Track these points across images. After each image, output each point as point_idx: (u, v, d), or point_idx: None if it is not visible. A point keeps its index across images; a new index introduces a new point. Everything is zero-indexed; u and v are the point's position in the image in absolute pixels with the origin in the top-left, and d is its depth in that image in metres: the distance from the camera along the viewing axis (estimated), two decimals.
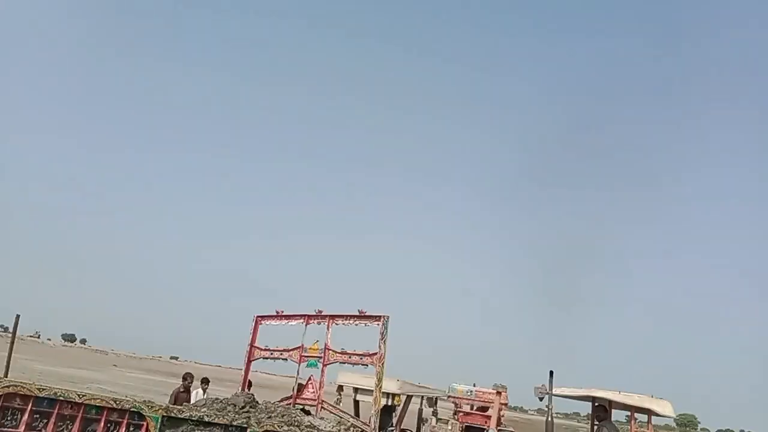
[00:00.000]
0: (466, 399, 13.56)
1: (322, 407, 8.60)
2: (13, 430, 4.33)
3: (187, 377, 10.98)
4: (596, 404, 9.32)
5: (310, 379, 8.88)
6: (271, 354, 9.46)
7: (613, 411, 9.29)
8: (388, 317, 8.38)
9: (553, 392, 8.27)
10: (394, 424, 10.08)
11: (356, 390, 10.26)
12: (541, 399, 8.27)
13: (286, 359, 9.25)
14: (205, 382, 11.84)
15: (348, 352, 8.68)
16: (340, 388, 10.31)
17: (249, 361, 9.60)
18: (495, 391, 8.38)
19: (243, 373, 9.58)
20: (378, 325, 8.40)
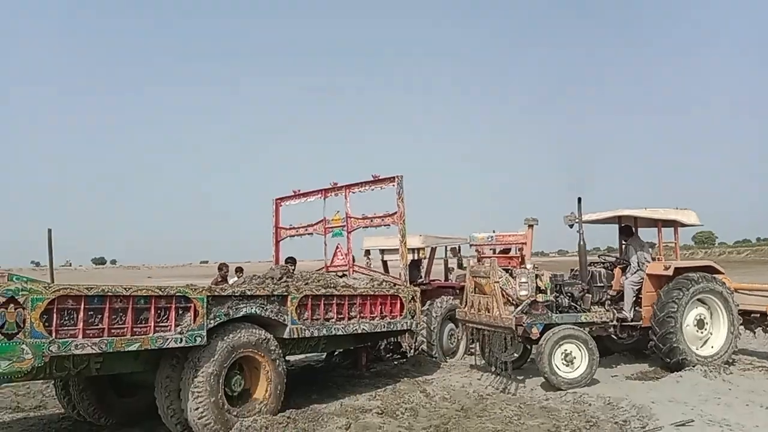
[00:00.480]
0: (488, 244, 14.04)
1: (354, 270, 9.01)
2: (74, 328, 4.63)
3: (223, 267, 11.44)
4: (622, 225, 9.54)
5: (337, 247, 9.23)
6: (297, 231, 9.78)
7: (640, 231, 9.54)
8: (401, 176, 8.53)
9: (582, 219, 8.54)
10: (422, 276, 10.55)
11: (382, 251, 10.67)
12: (571, 226, 8.55)
13: (311, 234, 9.57)
14: (239, 270, 12.31)
15: (369, 216, 8.93)
16: (367, 252, 10.72)
17: (277, 242, 9.95)
18: (527, 225, 8.66)
19: (274, 255, 9.95)
20: (393, 186, 8.57)
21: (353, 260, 9.19)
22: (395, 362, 9.57)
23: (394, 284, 8.27)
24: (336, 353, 9.61)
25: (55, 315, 4.51)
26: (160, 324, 5.21)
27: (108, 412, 6.36)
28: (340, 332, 7.03)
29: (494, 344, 8.19)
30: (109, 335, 4.81)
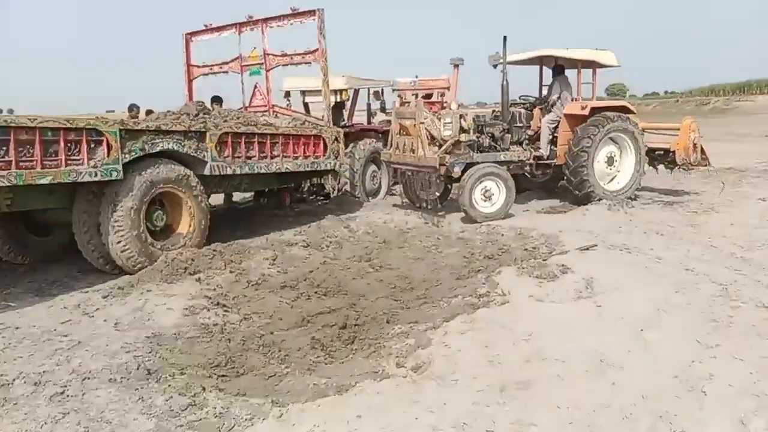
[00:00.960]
0: (410, 89, 13.96)
1: (273, 111, 8.77)
2: None
3: (133, 108, 10.77)
4: (554, 65, 9.53)
5: (256, 87, 8.88)
6: (211, 69, 9.27)
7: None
8: (322, 10, 8.09)
9: (507, 59, 8.51)
10: (345, 119, 10.44)
11: (303, 93, 10.37)
12: (495, 66, 8.52)
13: (227, 72, 9.11)
14: (149, 112, 11.65)
15: (289, 53, 8.54)
16: (287, 93, 10.37)
17: (190, 81, 9.43)
18: (453, 65, 8.53)
19: (186, 94, 9.45)
20: (314, 20, 8.13)
21: (272, 101, 8.92)
22: (319, 203, 9.73)
23: (317, 125, 8.15)
24: (264, 196, 9.60)
25: None
26: (72, 158, 4.95)
27: (24, 251, 6.20)
28: (262, 170, 6.97)
29: (417, 184, 8.42)
30: (18, 168, 4.53)
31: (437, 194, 8.51)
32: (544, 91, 9.91)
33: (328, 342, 4.30)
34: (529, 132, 9.30)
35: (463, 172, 8.05)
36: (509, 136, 8.93)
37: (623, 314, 4.37)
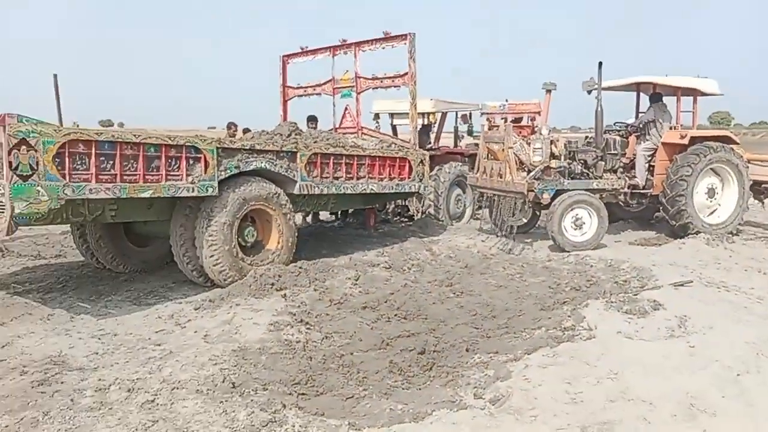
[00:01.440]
0: (499, 113, 13.83)
1: (362, 133, 8.94)
2: (86, 173, 4.67)
3: (231, 126, 11.33)
4: (653, 92, 9.21)
5: (346, 109, 9.09)
6: (305, 91, 9.58)
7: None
8: (414, 34, 8.19)
9: (602, 85, 8.30)
10: (432, 142, 10.48)
11: (392, 115, 10.51)
12: (589, 92, 8.32)
13: (320, 94, 9.38)
14: (247, 131, 12.20)
15: (379, 76, 8.70)
16: (377, 116, 10.57)
17: (285, 101, 9.78)
18: (546, 90, 8.43)
19: (281, 114, 9.80)
20: (405, 44, 8.24)
21: (361, 123, 9.10)
22: (402, 224, 9.78)
23: (403, 147, 8.23)
24: (348, 215, 9.78)
25: (67, 159, 4.53)
26: (172, 173, 5.25)
27: (125, 260, 6.61)
28: (348, 191, 7.10)
29: (504, 209, 8.30)
30: (122, 181, 4.86)
31: (524, 220, 8.30)
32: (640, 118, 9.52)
33: (406, 366, 4.29)
34: (624, 160, 8.96)
35: (553, 198, 7.87)
36: (602, 163, 8.64)
37: (718, 356, 4.09)
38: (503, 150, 7.99)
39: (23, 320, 5.02)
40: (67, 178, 4.52)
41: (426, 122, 10.30)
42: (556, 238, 7.73)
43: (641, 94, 9.66)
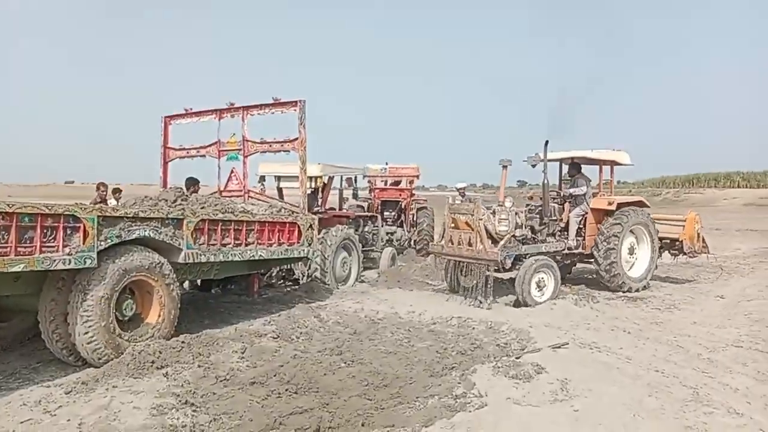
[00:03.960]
0: (381, 176, 14.30)
1: (249, 196, 8.80)
2: None
3: (101, 186, 10.65)
4: (571, 163, 10.35)
5: (232, 171, 8.94)
6: (188, 153, 9.32)
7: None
8: (304, 101, 8.32)
9: (542, 158, 9.25)
10: (320, 205, 10.54)
11: (278, 178, 10.47)
12: (533, 166, 9.33)
13: (204, 156, 9.17)
14: (117, 191, 11.54)
15: (268, 140, 8.69)
16: (262, 178, 10.47)
17: (165, 163, 9.44)
18: (502, 166, 9.24)
19: (161, 176, 9.43)
20: (295, 110, 8.34)
21: (248, 186, 8.97)
22: (288, 289, 9.63)
23: (293, 212, 8.20)
24: (231, 281, 9.46)
25: None
26: (47, 244, 4.83)
27: None
28: (237, 258, 6.92)
29: (467, 274, 8.84)
30: None
31: (487, 284, 8.72)
32: (564, 185, 10.83)
33: None
34: (561, 224, 9.94)
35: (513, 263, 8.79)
36: (545, 228, 9.54)
37: (601, 420, 4.38)
38: (473, 221, 8.59)
39: None
40: None
41: (314, 186, 10.37)
42: (525, 298, 8.48)
43: (564, 165, 10.85)
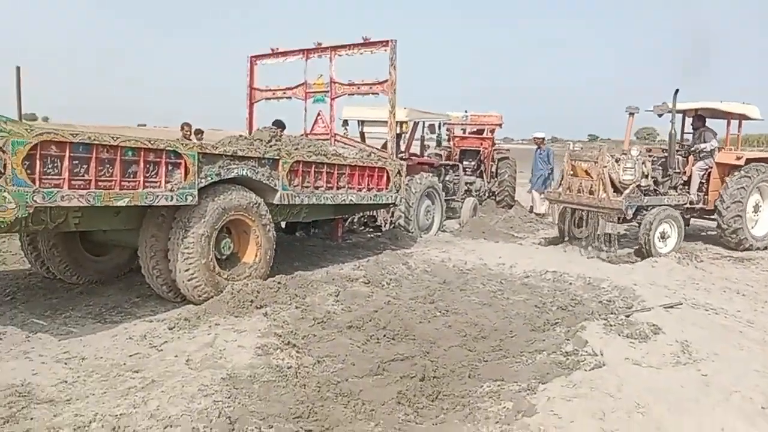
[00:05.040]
0: (461, 123, 13.79)
1: (335, 140, 8.59)
2: (58, 178, 4.13)
3: (185, 127, 10.69)
4: (698, 114, 9.88)
5: (319, 114, 8.72)
6: (274, 94, 9.14)
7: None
8: (395, 41, 7.92)
9: (670, 108, 8.83)
10: (403, 150, 10.24)
11: (362, 123, 10.21)
12: (660, 116, 8.97)
13: (290, 97, 8.97)
14: (199, 132, 11.59)
15: (356, 83, 8.38)
16: (346, 122, 10.22)
17: (251, 104, 9.30)
18: (628, 113, 9.07)
19: (247, 117, 9.32)
20: (386, 50, 7.97)
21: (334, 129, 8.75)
22: (370, 235, 9.47)
23: (382, 157, 7.94)
24: (314, 225, 9.39)
25: (38, 162, 3.97)
26: (150, 180, 4.75)
27: (80, 271, 5.98)
28: (328, 201, 6.75)
29: (586, 223, 8.79)
30: (97, 188, 4.34)
31: (612, 233, 8.67)
32: (686, 138, 10.41)
33: (412, 397, 3.99)
34: (684, 177, 9.59)
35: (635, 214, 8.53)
36: (668, 180, 9.21)
37: (735, 387, 4.00)
38: (597, 169, 8.32)
39: None
40: (37, 183, 3.96)
41: (399, 131, 10.05)
42: (649, 249, 8.28)
43: (687, 117, 10.32)
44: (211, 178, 5.26)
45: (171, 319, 4.96)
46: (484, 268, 7.58)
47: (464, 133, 14.13)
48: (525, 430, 3.41)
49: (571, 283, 6.94)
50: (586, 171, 8.45)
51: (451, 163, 11.82)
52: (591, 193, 8.39)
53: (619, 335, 4.93)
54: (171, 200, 4.88)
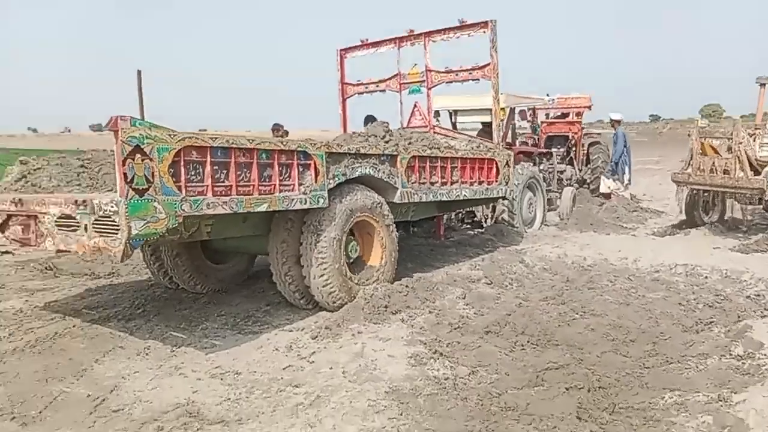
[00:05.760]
0: (547, 108, 13.17)
1: (434, 132, 8.25)
2: (201, 184, 3.96)
3: (279, 128, 10.59)
4: None
5: (415, 106, 8.40)
6: (366, 88, 8.85)
7: None
8: (495, 21, 7.45)
9: None
10: (498, 141, 9.80)
11: (454, 113, 9.83)
12: (762, 86, 8.48)
13: (383, 90, 8.66)
14: (286, 134, 11.50)
15: (453, 69, 7.99)
16: (437, 113, 9.86)
17: (344, 101, 9.04)
18: (760, 84, 8.31)
19: (341, 114, 9.08)
20: (485, 32, 7.53)
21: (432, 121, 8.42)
22: (471, 232, 9.11)
23: (491, 148, 7.56)
24: (414, 224, 9.11)
25: (182, 169, 3.81)
26: (284, 183, 4.54)
27: (202, 279, 5.89)
28: (443, 197, 6.44)
29: (733, 205, 8.28)
30: (237, 194, 4.16)
31: (749, 218, 8.19)
32: None
33: (592, 410, 3.63)
34: None
35: None
36: None
37: None
38: (732, 147, 7.71)
39: (117, 355, 4.31)
40: (183, 191, 3.80)
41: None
42: None
43: None
44: (339, 179, 5.02)
45: (311, 328, 4.75)
46: (605, 264, 7.12)
47: (547, 118, 13.55)
48: None
49: (707, 277, 6.41)
50: (714, 149, 7.82)
51: (545, 150, 11.30)
52: (725, 172, 7.71)
53: None
54: (305, 203, 4.67)
